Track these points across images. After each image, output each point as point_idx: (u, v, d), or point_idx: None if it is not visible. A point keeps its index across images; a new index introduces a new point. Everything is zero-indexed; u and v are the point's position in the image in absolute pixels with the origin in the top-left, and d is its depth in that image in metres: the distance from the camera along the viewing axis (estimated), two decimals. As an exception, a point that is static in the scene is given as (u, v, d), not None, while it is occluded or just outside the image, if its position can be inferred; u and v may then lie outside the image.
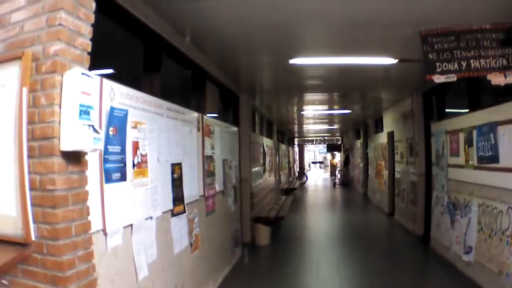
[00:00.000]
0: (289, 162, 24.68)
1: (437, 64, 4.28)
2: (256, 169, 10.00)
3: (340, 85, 8.45)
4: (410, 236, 8.98)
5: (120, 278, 2.97)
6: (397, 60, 5.65)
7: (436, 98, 8.12)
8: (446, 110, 7.64)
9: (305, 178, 28.76)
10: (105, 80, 2.85)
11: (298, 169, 32.35)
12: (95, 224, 2.63)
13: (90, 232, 2.49)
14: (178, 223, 4.20)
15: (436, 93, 8.00)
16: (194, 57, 5.49)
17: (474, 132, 5.73)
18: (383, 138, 12.79)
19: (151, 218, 3.53)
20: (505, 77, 4.20)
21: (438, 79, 4.30)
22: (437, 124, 7.58)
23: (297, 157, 34.72)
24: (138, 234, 3.26)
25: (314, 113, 13.69)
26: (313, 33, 4.83)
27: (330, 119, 16.28)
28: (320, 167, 48.52)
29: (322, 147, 36.94)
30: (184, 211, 4.37)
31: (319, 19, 4.33)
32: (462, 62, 4.27)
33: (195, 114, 5.08)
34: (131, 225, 3.17)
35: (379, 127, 13.73)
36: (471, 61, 4.24)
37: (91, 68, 2.51)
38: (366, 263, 7.17)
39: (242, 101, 8.80)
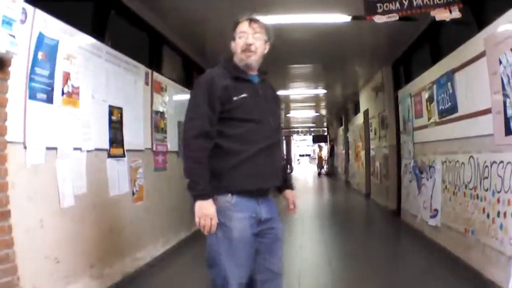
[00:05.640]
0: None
1: (378, 5, 4.13)
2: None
3: (316, 54, 8.16)
4: (383, 212, 8.82)
5: (40, 198, 3.04)
6: (350, 18, 5.52)
7: (404, 66, 7.96)
8: (414, 76, 7.45)
9: (289, 169, 28.60)
10: (38, 10, 3.04)
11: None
12: (14, 134, 2.77)
13: (5, 136, 2.67)
14: (115, 165, 4.20)
15: (404, 61, 7.84)
16: (153, 23, 5.62)
17: (435, 87, 5.55)
18: (360, 118, 12.62)
19: (80, 149, 3.62)
20: (450, 12, 4.02)
21: (379, 19, 4.15)
22: (403, 90, 7.42)
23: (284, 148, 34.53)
24: (64, 160, 3.35)
25: (293, 94, 13.41)
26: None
27: (311, 101, 15.83)
28: (310, 162, 48.48)
29: (310, 140, 36.80)
30: (124, 156, 4.37)
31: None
32: (403, 1, 4.10)
33: (142, 67, 5.04)
34: (56, 149, 3.27)
35: (357, 109, 13.58)
36: (414, -2, 4.08)
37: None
38: (330, 237, 7.00)
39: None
